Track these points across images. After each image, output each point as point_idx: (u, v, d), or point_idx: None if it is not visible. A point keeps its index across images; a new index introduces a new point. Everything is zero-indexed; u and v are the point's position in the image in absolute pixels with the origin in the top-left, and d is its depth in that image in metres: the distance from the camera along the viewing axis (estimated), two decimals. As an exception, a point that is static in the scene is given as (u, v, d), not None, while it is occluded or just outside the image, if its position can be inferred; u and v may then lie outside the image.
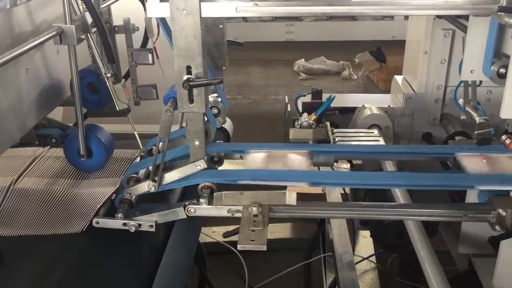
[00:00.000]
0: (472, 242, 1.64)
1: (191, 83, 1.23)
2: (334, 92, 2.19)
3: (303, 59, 5.74)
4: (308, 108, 1.89)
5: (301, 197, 1.36)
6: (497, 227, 1.30)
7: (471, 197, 1.55)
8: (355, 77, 5.57)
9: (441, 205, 1.37)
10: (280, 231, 3.02)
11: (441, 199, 1.67)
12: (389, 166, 1.88)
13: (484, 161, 1.44)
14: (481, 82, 1.48)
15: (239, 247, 1.22)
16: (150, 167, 1.38)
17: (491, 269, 1.47)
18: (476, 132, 1.44)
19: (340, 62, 5.72)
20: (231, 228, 2.96)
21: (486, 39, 1.32)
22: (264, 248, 1.20)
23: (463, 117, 1.56)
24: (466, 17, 1.49)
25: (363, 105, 2.11)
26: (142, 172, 1.45)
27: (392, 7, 1.21)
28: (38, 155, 1.71)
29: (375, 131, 1.93)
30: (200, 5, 1.17)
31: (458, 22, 1.69)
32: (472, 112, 1.50)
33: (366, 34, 5.81)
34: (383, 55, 5.21)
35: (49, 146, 1.78)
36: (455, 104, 1.65)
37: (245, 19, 5.49)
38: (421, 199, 1.58)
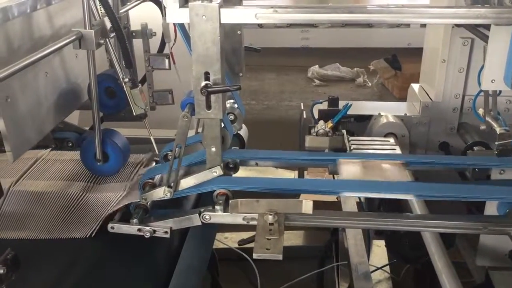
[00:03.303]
0: (490, 255, 1.60)
1: (209, 89, 1.22)
2: (349, 99, 2.18)
3: (317, 66, 5.73)
4: (324, 115, 1.88)
5: (316, 205, 1.35)
6: (517, 240, 1.28)
7: (490, 209, 1.52)
8: (370, 84, 5.55)
9: (459, 216, 1.35)
10: (293, 238, 3.01)
11: (458, 210, 1.64)
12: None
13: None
14: (500, 91, 1.45)
15: (255, 255, 1.21)
16: (166, 173, 1.38)
17: (510, 283, 1.45)
18: (496, 143, 1.42)
19: (355, 69, 5.70)
20: (243, 234, 2.95)
21: (508, 49, 1.30)
22: (280, 257, 1.19)
23: (483, 127, 1.54)
24: (485, 26, 1.47)
25: (379, 113, 2.09)
26: (157, 177, 1.45)
27: (413, 15, 1.19)
28: (40, 157, 1.73)
29: (391, 140, 1.90)
30: (219, 11, 1.17)
31: (478, 30, 1.66)
32: (492, 122, 1.48)
33: (382, 41, 5.78)
34: (398, 63, 5.18)
35: (50, 149, 1.79)
36: (474, 114, 1.63)
37: (260, 25, 5.50)
38: (438, 209, 1.56)
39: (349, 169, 1.44)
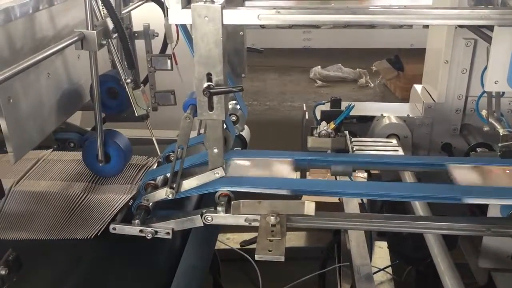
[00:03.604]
0: (493, 257, 1.60)
1: (211, 91, 1.22)
2: (351, 100, 2.17)
3: (319, 66, 5.73)
4: (327, 116, 1.88)
5: (318, 205, 1.34)
6: (521, 243, 1.27)
7: (493, 210, 1.52)
8: (372, 85, 5.54)
9: (462, 218, 1.34)
10: (294, 239, 3.00)
11: (461, 211, 1.64)
12: (408, 177, 1.85)
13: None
14: (504, 92, 1.45)
15: (257, 257, 1.21)
16: (168, 174, 1.38)
17: (512, 285, 1.44)
18: (499, 144, 1.42)
19: (357, 69, 5.70)
20: (245, 235, 2.95)
21: None
22: (282, 259, 1.19)
23: (486, 128, 1.53)
24: (488, 27, 1.46)
25: (382, 114, 2.08)
26: (160, 178, 1.45)
27: (416, 16, 1.19)
28: (41, 158, 1.73)
29: (394, 141, 1.90)
30: (222, 12, 1.17)
31: (481, 31, 1.66)
32: (496, 124, 1.48)
33: (384, 42, 5.77)
34: (400, 63, 5.17)
35: (51, 149, 1.79)
36: (477, 115, 1.62)
37: (262, 25, 5.50)
38: (441, 211, 1.55)
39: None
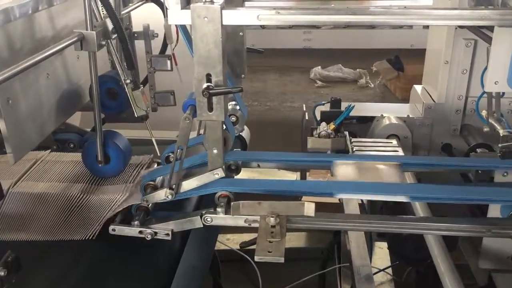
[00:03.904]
0: (493, 257, 1.60)
1: (210, 91, 1.22)
2: (351, 100, 2.17)
3: (319, 67, 5.73)
4: (327, 117, 1.87)
5: (318, 206, 1.34)
6: (521, 243, 1.27)
7: (493, 211, 1.51)
8: (372, 85, 5.54)
9: (462, 219, 1.34)
10: (294, 240, 3.00)
11: (461, 212, 1.63)
12: (408, 177, 1.85)
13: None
14: (504, 93, 1.45)
15: (256, 258, 1.20)
16: (167, 175, 1.38)
17: (513, 286, 1.44)
18: (499, 145, 1.41)
19: (357, 70, 5.69)
20: (245, 235, 2.95)
21: (512, 50, 1.30)
22: (282, 260, 1.18)
23: (486, 129, 1.53)
24: (489, 27, 1.46)
25: (382, 115, 2.08)
26: (159, 179, 1.44)
27: (416, 17, 1.18)
28: (39, 159, 1.72)
29: (394, 141, 1.90)
30: (221, 12, 1.17)
31: (481, 32, 1.66)
32: (496, 124, 1.48)
33: (384, 42, 5.78)
34: (401, 64, 5.17)
35: (49, 150, 1.79)
36: (477, 116, 1.62)
37: (262, 26, 5.50)
38: (441, 211, 1.55)
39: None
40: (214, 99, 1.24)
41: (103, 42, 1.50)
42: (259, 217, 1.32)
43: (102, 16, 1.51)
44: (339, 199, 2.28)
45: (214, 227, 1.40)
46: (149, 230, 1.36)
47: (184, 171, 1.39)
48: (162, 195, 1.37)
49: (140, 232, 1.36)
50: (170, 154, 1.56)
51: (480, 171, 1.51)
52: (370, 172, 1.44)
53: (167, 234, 1.36)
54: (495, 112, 1.50)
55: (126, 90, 1.57)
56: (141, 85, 1.64)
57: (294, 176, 2.80)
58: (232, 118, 1.61)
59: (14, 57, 1.35)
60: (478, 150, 1.76)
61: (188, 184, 1.36)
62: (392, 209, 1.91)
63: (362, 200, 2.17)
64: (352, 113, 1.87)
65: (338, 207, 2.29)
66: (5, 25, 1.32)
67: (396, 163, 1.48)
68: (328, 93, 5.27)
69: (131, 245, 1.39)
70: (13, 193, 1.54)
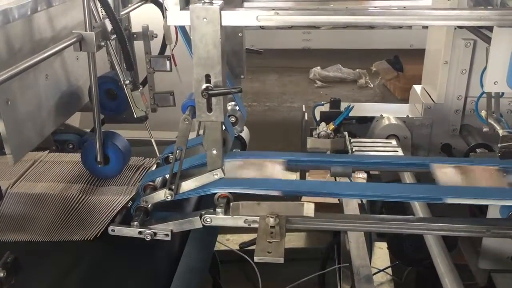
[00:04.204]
0: (493, 258, 1.60)
1: (210, 92, 1.22)
2: (350, 100, 2.18)
3: (319, 67, 5.73)
4: (326, 117, 1.88)
5: (317, 206, 1.34)
6: (521, 244, 1.27)
7: (493, 211, 1.51)
8: (372, 85, 5.54)
9: (462, 219, 1.34)
10: (294, 240, 3.00)
11: (461, 212, 1.63)
12: (408, 177, 1.85)
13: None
14: (503, 93, 1.45)
15: (256, 259, 1.20)
16: (167, 175, 1.37)
17: (513, 286, 1.44)
18: (499, 145, 1.41)
19: (357, 70, 5.69)
20: (245, 236, 2.95)
21: (511, 50, 1.29)
22: (281, 260, 1.18)
23: (485, 129, 1.53)
24: (488, 27, 1.46)
25: (381, 115, 2.08)
26: (158, 180, 1.44)
27: (415, 17, 1.18)
28: (37, 159, 1.72)
29: (393, 142, 1.90)
30: (220, 13, 1.17)
31: (480, 32, 1.66)
32: (495, 124, 1.47)
33: (383, 42, 5.78)
34: (400, 64, 5.17)
35: (48, 151, 1.78)
36: (476, 116, 1.62)
37: (262, 26, 5.50)
38: (440, 212, 1.55)
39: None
40: (213, 99, 1.24)
41: (102, 43, 1.50)
42: (258, 217, 1.32)
43: (101, 17, 1.51)
44: (339, 200, 2.28)
45: (214, 228, 1.40)
46: (148, 231, 1.36)
47: (183, 171, 1.39)
48: (161, 195, 1.36)
49: (140, 232, 1.36)
50: (170, 154, 1.56)
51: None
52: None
53: (167, 235, 1.36)
54: (495, 112, 1.50)
55: (126, 90, 1.57)
56: (140, 86, 1.64)
57: (293, 176, 2.80)
58: (232, 119, 1.61)
59: (13, 58, 1.35)
60: (478, 150, 1.76)
61: (188, 185, 1.36)
62: (391, 209, 1.92)
63: (361, 201, 2.17)
64: (352, 113, 1.87)
65: (338, 208, 2.30)
66: (4, 26, 1.32)
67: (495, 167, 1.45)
68: (327, 93, 5.27)
69: (131, 245, 1.39)
70: (11, 194, 1.53)
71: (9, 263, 1.07)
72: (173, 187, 1.35)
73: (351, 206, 2.15)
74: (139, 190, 1.43)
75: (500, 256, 1.56)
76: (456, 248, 1.87)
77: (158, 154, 1.70)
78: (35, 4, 1.44)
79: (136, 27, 1.89)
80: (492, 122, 1.49)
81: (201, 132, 1.59)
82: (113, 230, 1.38)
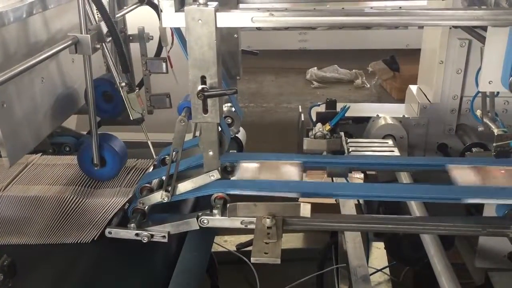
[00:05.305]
0: (489, 257, 1.60)
1: (205, 94, 1.22)
2: (347, 100, 2.18)
3: (315, 68, 5.73)
4: (322, 118, 1.88)
5: (314, 207, 1.34)
6: (516, 242, 1.28)
7: (489, 210, 1.52)
8: (368, 85, 5.55)
9: (458, 218, 1.35)
10: (292, 241, 3.00)
11: (457, 211, 1.64)
12: (404, 177, 1.85)
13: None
14: (498, 92, 1.45)
15: (253, 260, 1.20)
16: (163, 177, 1.37)
17: (509, 284, 1.44)
18: (494, 144, 1.42)
19: (353, 70, 5.70)
20: (243, 237, 2.95)
21: (505, 50, 1.30)
22: (278, 261, 1.18)
23: (481, 128, 1.54)
24: (483, 27, 1.47)
25: (377, 115, 2.09)
26: (155, 182, 1.44)
27: (411, 17, 1.19)
28: (30, 162, 1.72)
29: (390, 141, 1.90)
30: (215, 15, 1.17)
31: (475, 32, 1.66)
32: (490, 124, 1.48)
33: (380, 42, 5.78)
34: (396, 64, 5.18)
35: (40, 153, 1.78)
36: (472, 115, 1.63)
37: (258, 27, 5.50)
38: (437, 211, 1.55)
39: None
40: (209, 101, 1.24)
41: (98, 45, 1.50)
42: (255, 218, 1.32)
43: (97, 19, 1.51)
44: (335, 200, 2.29)
45: (211, 229, 1.40)
46: (145, 233, 1.36)
47: (180, 173, 1.39)
48: (158, 197, 1.37)
49: (137, 234, 1.36)
50: (166, 156, 1.56)
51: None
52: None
53: (164, 237, 1.36)
54: (490, 112, 1.51)
55: (122, 93, 1.57)
56: (136, 88, 1.64)
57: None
58: (228, 120, 1.61)
59: (9, 61, 1.35)
60: (474, 149, 1.77)
61: (184, 186, 1.36)
62: (388, 209, 1.92)
63: (358, 201, 2.18)
64: (348, 114, 1.88)
65: (334, 208, 2.30)
66: (-1, 29, 1.32)
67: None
68: (324, 93, 5.27)
69: (128, 248, 1.39)
70: (4, 197, 1.53)
71: (5, 266, 1.07)
72: (170, 188, 1.35)
73: (348, 207, 2.16)
74: (135, 192, 1.43)
75: (497, 255, 1.57)
76: (453, 247, 1.88)
77: (154, 156, 1.70)
78: (30, 7, 1.44)
79: (132, 29, 1.89)
80: (487, 122, 1.49)
81: (197, 133, 1.59)
82: (110, 233, 1.38)
